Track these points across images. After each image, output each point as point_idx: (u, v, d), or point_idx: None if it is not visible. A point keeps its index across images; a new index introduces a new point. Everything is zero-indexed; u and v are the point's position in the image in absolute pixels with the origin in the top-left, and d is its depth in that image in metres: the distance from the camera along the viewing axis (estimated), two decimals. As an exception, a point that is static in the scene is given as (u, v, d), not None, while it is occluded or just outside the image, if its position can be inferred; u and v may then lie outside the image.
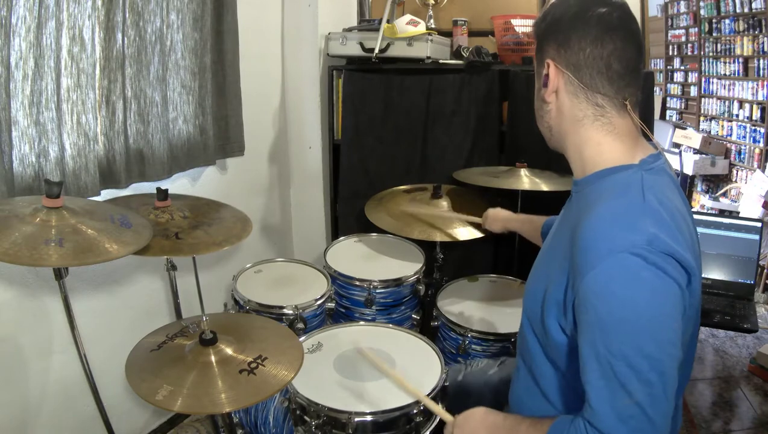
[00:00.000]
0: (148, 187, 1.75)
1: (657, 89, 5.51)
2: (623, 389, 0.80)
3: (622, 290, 0.81)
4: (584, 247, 0.85)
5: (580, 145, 0.98)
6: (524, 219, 1.63)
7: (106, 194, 1.65)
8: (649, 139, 1.02)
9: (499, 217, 1.72)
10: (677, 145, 4.82)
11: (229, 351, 1.17)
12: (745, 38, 4.38)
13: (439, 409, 1.18)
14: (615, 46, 0.91)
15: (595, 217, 0.86)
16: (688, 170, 4.54)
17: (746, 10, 4.27)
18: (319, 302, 1.74)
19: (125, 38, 1.63)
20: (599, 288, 0.82)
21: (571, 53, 0.94)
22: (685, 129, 4.86)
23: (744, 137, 4.51)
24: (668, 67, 5.56)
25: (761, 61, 4.27)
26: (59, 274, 1.29)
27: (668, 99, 5.60)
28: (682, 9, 5.16)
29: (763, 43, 4.22)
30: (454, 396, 1.35)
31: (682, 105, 5.43)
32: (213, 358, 1.14)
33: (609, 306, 0.82)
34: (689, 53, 5.18)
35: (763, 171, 4.02)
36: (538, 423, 0.95)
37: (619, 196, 0.88)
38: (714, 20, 4.71)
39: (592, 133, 0.96)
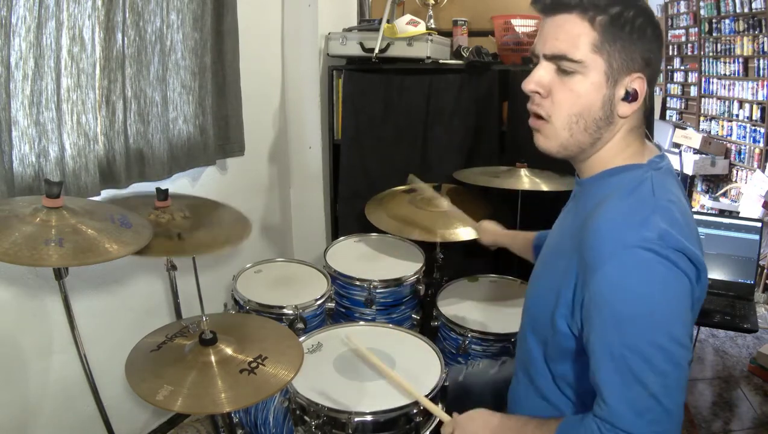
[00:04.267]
0: (148, 187, 1.74)
1: (657, 89, 5.50)
2: (639, 383, 0.80)
3: (636, 284, 0.81)
4: (595, 244, 0.84)
5: (608, 149, 0.95)
6: (513, 234, 1.62)
7: (106, 194, 1.65)
8: (650, 141, 1.02)
9: (490, 230, 1.69)
10: (677, 145, 4.82)
11: (229, 351, 1.17)
12: (745, 38, 4.38)
13: (436, 409, 1.17)
14: (662, 53, 0.90)
15: (605, 214, 0.86)
16: (688, 170, 4.54)
17: (746, 10, 4.27)
18: (319, 302, 1.74)
19: (125, 38, 1.62)
20: (612, 283, 0.82)
21: (654, 69, 0.89)
22: (685, 129, 4.86)
23: (744, 137, 4.51)
24: (668, 67, 5.56)
25: (761, 61, 4.27)
26: (59, 274, 1.29)
27: (668, 99, 5.60)
28: (682, 9, 5.16)
29: (763, 43, 4.22)
30: (455, 396, 1.35)
31: (682, 105, 5.43)
32: (213, 358, 1.14)
33: (623, 300, 0.82)
34: (689, 53, 5.18)
35: (763, 171, 4.02)
36: (544, 424, 0.94)
37: (629, 195, 0.88)
38: (714, 20, 4.71)
39: (629, 140, 0.94)
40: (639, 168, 0.92)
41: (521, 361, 1.09)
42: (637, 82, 0.88)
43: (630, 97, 0.88)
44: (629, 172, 0.92)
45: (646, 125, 0.99)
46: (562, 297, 0.92)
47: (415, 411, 1.24)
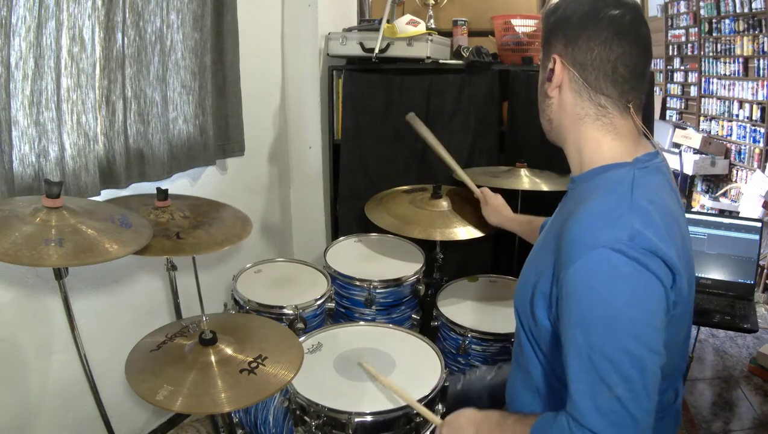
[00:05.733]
0: (148, 187, 1.74)
1: (657, 89, 5.51)
2: (603, 383, 0.80)
3: (602, 285, 0.81)
4: (569, 242, 0.86)
5: (579, 142, 0.99)
6: (523, 220, 1.62)
7: (106, 194, 1.65)
8: (648, 140, 1.02)
9: (500, 212, 1.70)
10: (677, 145, 4.82)
11: (229, 351, 1.17)
12: (745, 38, 4.38)
13: (428, 413, 1.19)
14: (623, 50, 0.91)
15: (582, 212, 0.87)
16: (688, 170, 4.54)
17: (746, 10, 4.28)
18: (319, 302, 1.74)
19: (125, 38, 1.62)
20: (579, 282, 0.83)
21: (579, 52, 0.94)
22: (685, 129, 4.86)
23: (744, 137, 4.51)
24: (668, 67, 5.56)
25: (761, 61, 4.27)
26: (59, 274, 1.29)
27: (668, 99, 5.61)
28: (682, 9, 5.16)
29: (763, 43, 4.22)
30: (455, 404, 1.35)
31: (682, 105, 5.43)
32: (213, 358, 1.14)
33: (589, 301, 0.82)
34: (689, 53, 5.19)
35: (763, 171, 4.02)
36: (523, 419, 0.96)
37: (608, 193, 0.89)
38: (714, 20, 4.71)
39: (592, 132, 0.97)
40: (623, 166, 0.93)
41: (516, 353, 1.10)
42: (551, 62, 0.98)
43: (547, 76, 0.99)
44: (613, 170, 0.93)
45: (645, 124, 0.99)
46: (539, 291, 0.94)
47: (414, 411, 1.24)
